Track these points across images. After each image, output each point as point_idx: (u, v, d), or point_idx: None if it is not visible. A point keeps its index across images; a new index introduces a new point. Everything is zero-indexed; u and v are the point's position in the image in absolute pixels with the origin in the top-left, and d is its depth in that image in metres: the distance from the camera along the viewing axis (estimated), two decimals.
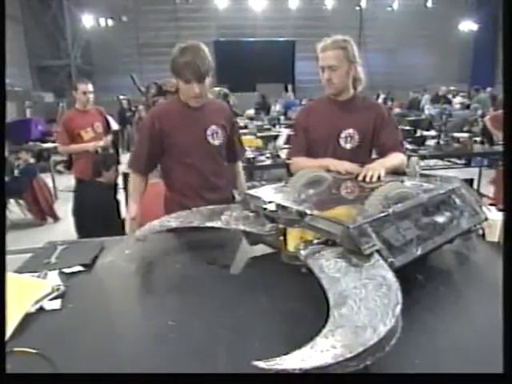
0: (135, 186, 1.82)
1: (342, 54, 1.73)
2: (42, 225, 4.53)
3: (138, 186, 1.82)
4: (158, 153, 1.78)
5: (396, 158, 1.74)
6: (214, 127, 1.78)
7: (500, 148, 4.19)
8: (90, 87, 3.44)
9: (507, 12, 0.72)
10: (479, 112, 6.41)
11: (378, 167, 1.52)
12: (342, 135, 1.83)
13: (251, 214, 1.30)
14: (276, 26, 14.98)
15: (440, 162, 5.30)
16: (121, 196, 3.39)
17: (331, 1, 13.83)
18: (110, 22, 13.45)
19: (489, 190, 3.70)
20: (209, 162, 1.81)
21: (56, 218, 4.61)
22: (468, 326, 0.92)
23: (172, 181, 1.85)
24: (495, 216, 1.39)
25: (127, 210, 1.81)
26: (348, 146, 1.83)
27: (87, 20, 13.34)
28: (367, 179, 1.43)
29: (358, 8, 14.27)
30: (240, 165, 2.07)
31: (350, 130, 1.82)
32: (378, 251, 0.90)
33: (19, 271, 1.25)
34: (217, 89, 3.53)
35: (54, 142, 6.44)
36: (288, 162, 2.01)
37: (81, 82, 3.48)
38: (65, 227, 4.23)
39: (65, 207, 4.56)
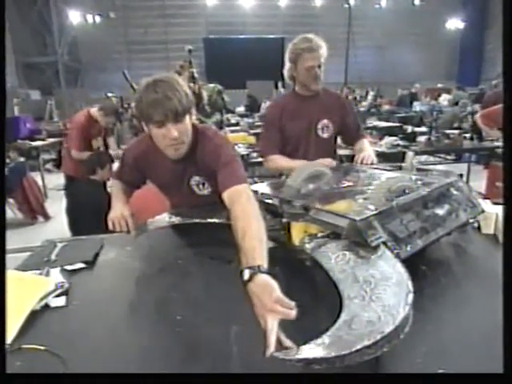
0: (120, 189, 1.55)
1: (323, 52, 1.88)
2: (32, 224, 4.46)
3: (123, 189, 1.55)
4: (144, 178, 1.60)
5: (368, 144, 2.00)
6: (197, 178, 1.46)
7: (489, 144, 4.27)
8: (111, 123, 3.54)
9: (507, 12, 0.73)
10: (469, 108, 6.51)
11: (370, 153, 1.77)
12: (319, 126, 2.00)
13: None
14: (265, 23, 14.98)
15: (431, 158, 5.39)
16: None
17: None
18: (98, 19, 13.26)
19: (479, 185, 3.76)
20: (195, 206, 1.51)
21: (47, 217, 4.55)
22: (469, 315, 0.94)
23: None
24: (491, 209, 1.42)
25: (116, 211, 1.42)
26: (325, 135, 2.02)
27: (74, 16, 13.10)
28: (364, 162, 1.70)
29: (346, 5, 14.32)
30: (232, 197, 1.21)
31: (325, 121, 2.00)
32: (383, 243, 0.92)
33: (19, 269, 1.24)
34: (211, 85, 3.52)
35: (43, 140, 6.35)
36: (262, 159, 2.06)
37: (111, 120, 3.54)
38: (56, 226, 4.18)
39: (55, 206, 4.51)
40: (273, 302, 0.75)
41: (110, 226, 1.34)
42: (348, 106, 2.12)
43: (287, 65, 1.96)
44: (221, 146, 1.38)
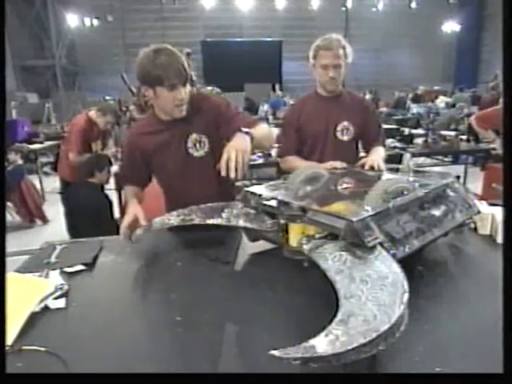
0: (131, 193, 1.61)
1: (343, 53, 1.83)
2: (30, 227, 4.46)
3: (134, 193, 1.62)
4: (149, 170, 1.66)
5: (382, 152, 1.93)
6: (194, 136, 1.56)
7: (485, 146, 4.30)
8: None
9: (507, 11, 0.74)
10: (465, 110, 6.56)
11: (378, 159, 1.71)
12: (339, 128, 1.95)
13: (252, 211, 1.31)
14: (263, 26, 15.00)
15: (428, 160, 5.41)
16: (113, 197, 3.37)
17: (317, 1, 13.92)
18: (96, 22, 13.26)
19: (476, 186, 3.79)
20: (195, 182, 1.60)
21: (45, 220, 4.54)
22: (466, 315, 0.95)
23: (167, 198, 1.74)
24: (487, 210, 1.43)
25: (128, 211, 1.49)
26: (345, 138, 1.96)
27: (72, 19, 13.10)
28: (374, 167, 1.66)
29: (343, 8, 14.40)
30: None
31: (345, 123, 1.95)
32: (380, 244, 0.93)
33: (19, 271, 1.24)
34: (209, 88, 3.54)
35: (40, 143, 6.35)
36: (279, 160, 2.06)
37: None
38: (54, 229, 4.18)
39: (53, 209, 4.51)
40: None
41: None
42: (371, 110, 2.08)
43: (310, 62, 1.92)
44: (222, 103, 1.61)
